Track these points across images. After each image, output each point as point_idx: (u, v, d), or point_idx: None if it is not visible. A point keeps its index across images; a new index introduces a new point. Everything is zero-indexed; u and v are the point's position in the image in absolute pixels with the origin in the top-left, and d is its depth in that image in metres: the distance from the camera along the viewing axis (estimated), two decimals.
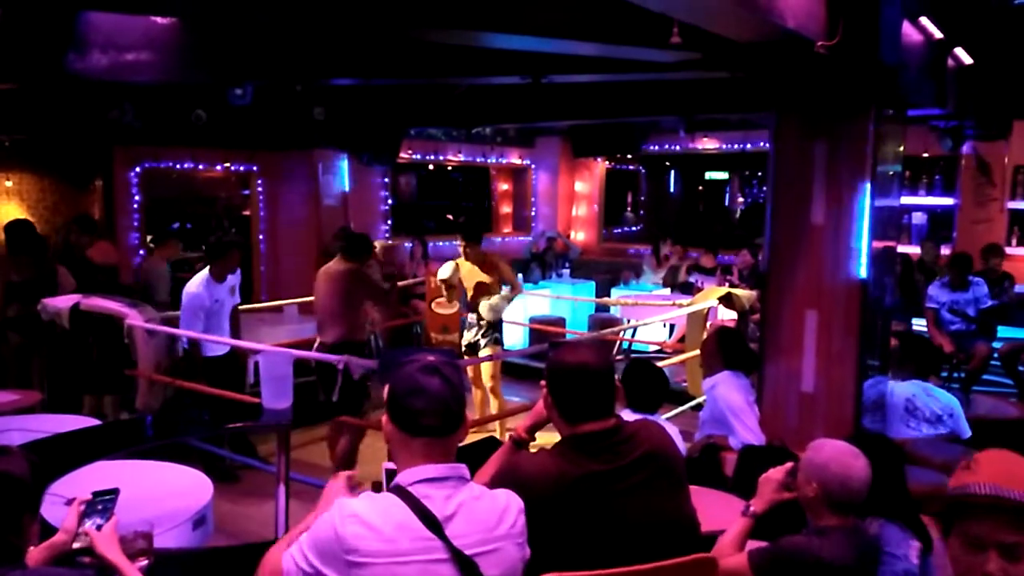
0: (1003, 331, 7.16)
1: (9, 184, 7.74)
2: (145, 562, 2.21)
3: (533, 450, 2.35)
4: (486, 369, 6.23)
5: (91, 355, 5.74)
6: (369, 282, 5.62)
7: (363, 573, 1.71)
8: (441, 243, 10.66)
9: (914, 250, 8.70)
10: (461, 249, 6.25)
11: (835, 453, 2.44)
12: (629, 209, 15.52)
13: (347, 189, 9.38)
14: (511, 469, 2.18)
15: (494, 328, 6.25)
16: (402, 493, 1.79)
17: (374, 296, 5.67)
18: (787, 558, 2.39)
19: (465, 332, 6.41)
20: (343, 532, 1.72)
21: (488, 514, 1.83)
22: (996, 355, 6.85)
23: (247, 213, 9.63)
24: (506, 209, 12.63)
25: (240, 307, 7.11)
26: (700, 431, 4.31)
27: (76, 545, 2.05)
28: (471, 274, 6.24)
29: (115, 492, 2.20)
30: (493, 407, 6.25)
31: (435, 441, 1.83)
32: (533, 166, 12.36)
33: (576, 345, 2.24)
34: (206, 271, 5.46)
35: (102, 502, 2.16)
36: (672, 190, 16.61)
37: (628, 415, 2.85)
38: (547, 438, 2.39)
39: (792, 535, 2.48)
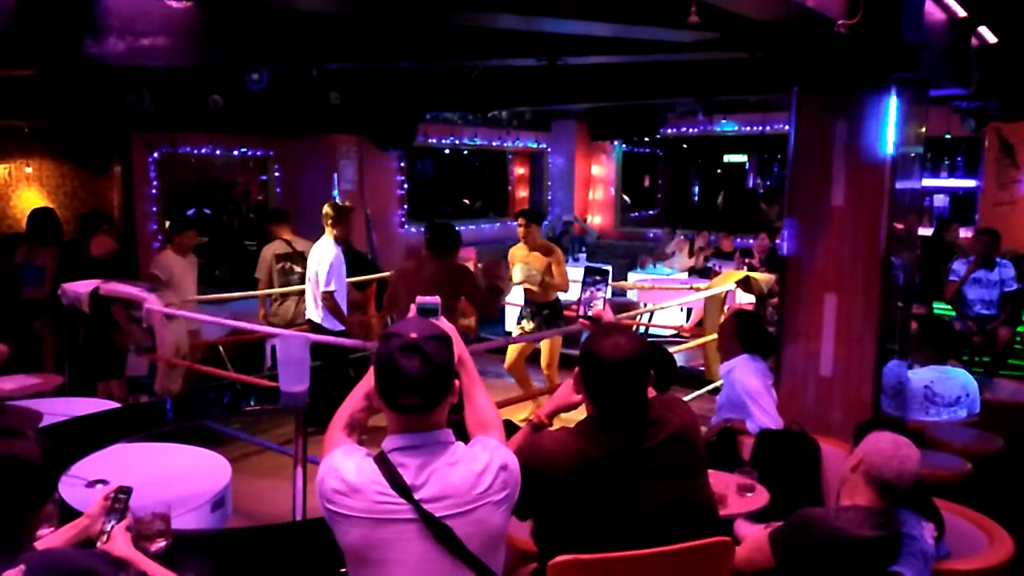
0: None
1: (29, 170, 7.81)
2: (163, 543, 2.23)
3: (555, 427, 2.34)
4: (545, 354, 6.33)
5: (79, 339, 5.77)
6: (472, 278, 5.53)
7: (341, 523, 1.87)
8: (458, 227, 10.64)
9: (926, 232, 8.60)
10: (521, 231, 6.35)
11: (892, 438, 2.51)
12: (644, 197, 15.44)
13: (364, 173, 9.39)
14: (532, 446, 2.18)
15: (553, 316, 6.31)
16: (381, 458, 1.89)
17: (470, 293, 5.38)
18: (806, 532, 2.41)
19: (524, 321, 6.48)
20: (324, 484, 1.89)
21: (463, 477, 1.87)
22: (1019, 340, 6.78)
23: (262, 198, 9.67)
24: (522, 193, 12.60)
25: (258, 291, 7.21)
26: (717, 415, 4.29)
27: (99, 543, 2.08)
28: (523, 257, 6.32)
29: (129, 491, 2.22)
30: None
31: (415, 415, 1.89)
32: (549, 149, 12.31)
33: (614, 333, 2.21)
34: (328, 234, 5.81)
35: (120, 500, 2.18)
36: (690, 173, 16.49)
37: None
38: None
39: (812, 507, 2.49)
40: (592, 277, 2.56)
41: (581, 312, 2.53)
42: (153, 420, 3.87)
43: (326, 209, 5.96)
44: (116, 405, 4.60)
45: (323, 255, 5.82)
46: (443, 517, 1.83)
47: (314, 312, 5.96)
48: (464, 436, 2.07)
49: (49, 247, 6.20)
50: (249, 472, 5.13)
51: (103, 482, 3.09)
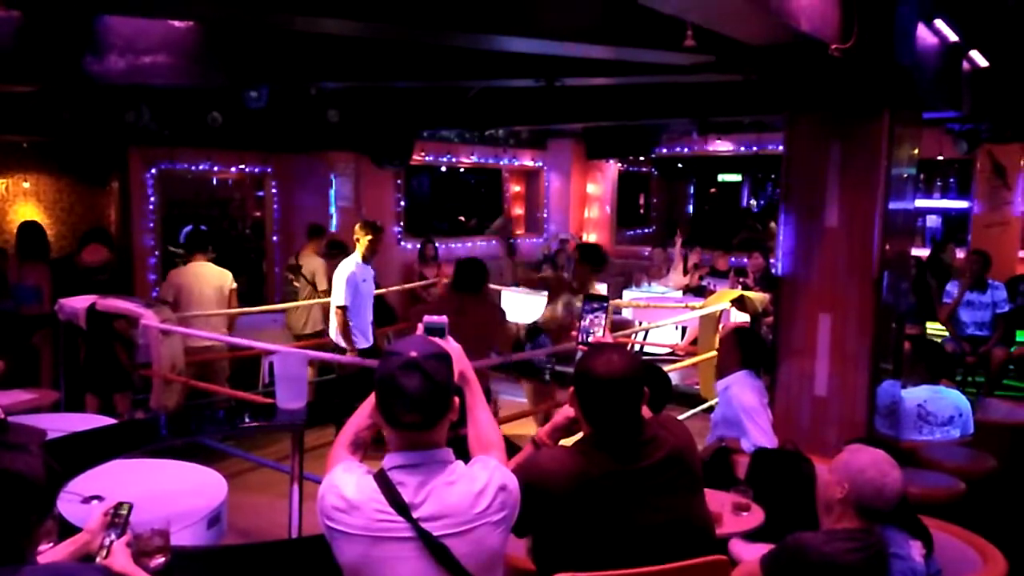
0: (1022, 335, 7.12)
1: (26, 185, 7.82)
2: (162, 559, 2.23)
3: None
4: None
5: (79, 355, 5.75)
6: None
7: (340, 540, 1.88)
8: (453, 244, 10.70)
9: (924, 252, 8.66)
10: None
11: (874, 460, 2.47)
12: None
13: (360, 190, 9.44)
14: (531, 464, 2.19)
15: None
16: (380, 476, 1.90)
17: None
18: (797, 557, 2.40)
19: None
20: (324, 501, 1.91)
21: (461, 497, 1.88)
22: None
23: (259, 214, 9.69)
24: (518, 211, 12.65)
25: (255, 307, 7.25)
26: (712, 432, 4.30)
27: (99, 558, 2.09)
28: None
29: (129, 507, 2.23)
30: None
31: (415, 433, 1.90)
32: (545, 168, 12.37)
33: (607, 351, 2.23)
34: (357, 251, 5.97)
35: (120, 515, 2.19)
36: (685, 192, 16.59)
37: None
38: None
39: (802, 532, 2.49)
40: (591, 304, 2.57)
41: (581, 339, 2.54)
42: (149, 436, 3.86)
43: (356, 227, 6.12)
44: (111, 421, 4.60)
45: (341, 270, 5.93)
46: (441, 536, 1.84)
47: (330, 328, 6.09)
48: (464, 451, 2.08)
49: (39, 264, 6.18)
50: (245, 489, 5.12)
51: (99, 498, 3.09)
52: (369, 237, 5.96)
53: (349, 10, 4.07)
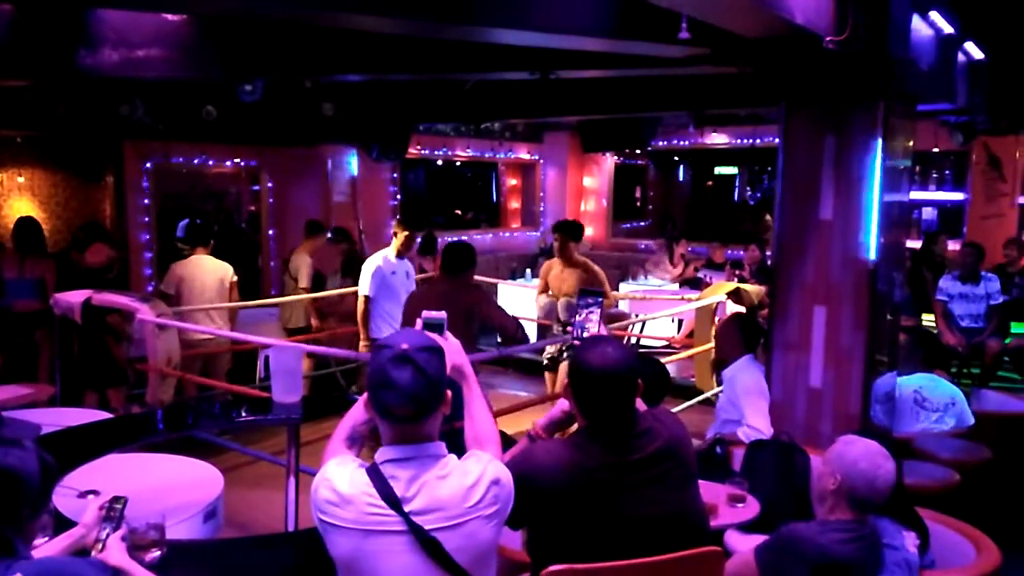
0: (1016, 327, 7.12)
1: (21, 180, 7.79)
2: (158, 553, 2.24)
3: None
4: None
5: (74, 350, 5.74)
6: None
7: (332, 534, 1.89)
8: (450, 237, 10.69)
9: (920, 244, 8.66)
10: (556, 245, 6.44)
11: (866, 451, 2.47)
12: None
13: (356, 184, 9.42)
14: (525, 457, 2.20)
15: None
16: (372, 470, 1.90)
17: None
18: (790, 548, 2.41)
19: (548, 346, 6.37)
20: (317, 494, 1.92)
21: (453, 491, 1.88)
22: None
23: (254, 208, 9.67)
24: (514, 204, 12.64)
25: (249, 301, 7.29)
26: (716, 417, 4.36)
27: (94, 553, 2.09)
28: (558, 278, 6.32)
29: (124, 501, 2.23)
30: None
31: (407, 426, 1.90)
32: (541, 161, 12.36)
33: (601, 344, 2.23)
34: (392, 246, 6.23)
35: (115, 509, 2.19)
36: (681, 185, 16.58)
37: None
38: None
39: (796, 523, 2.50)
40: (586, 299, 2.56)
41: (576, 334, 2.54)
42: (145, 431, 3.86)
43: (395, 223, 6.42)
44: (107, 415, 4.59)
45: (370, 262, 6.15)
46: (432, 530, 1.84)
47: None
48: (458, 444, 2.08)
49: (45, 259, 6.18)
50: (241, 483, 5.12)
51: (95, 492, 3.09)
52: (406, 233, 6.19)
53: (351, 4, 4.06)
